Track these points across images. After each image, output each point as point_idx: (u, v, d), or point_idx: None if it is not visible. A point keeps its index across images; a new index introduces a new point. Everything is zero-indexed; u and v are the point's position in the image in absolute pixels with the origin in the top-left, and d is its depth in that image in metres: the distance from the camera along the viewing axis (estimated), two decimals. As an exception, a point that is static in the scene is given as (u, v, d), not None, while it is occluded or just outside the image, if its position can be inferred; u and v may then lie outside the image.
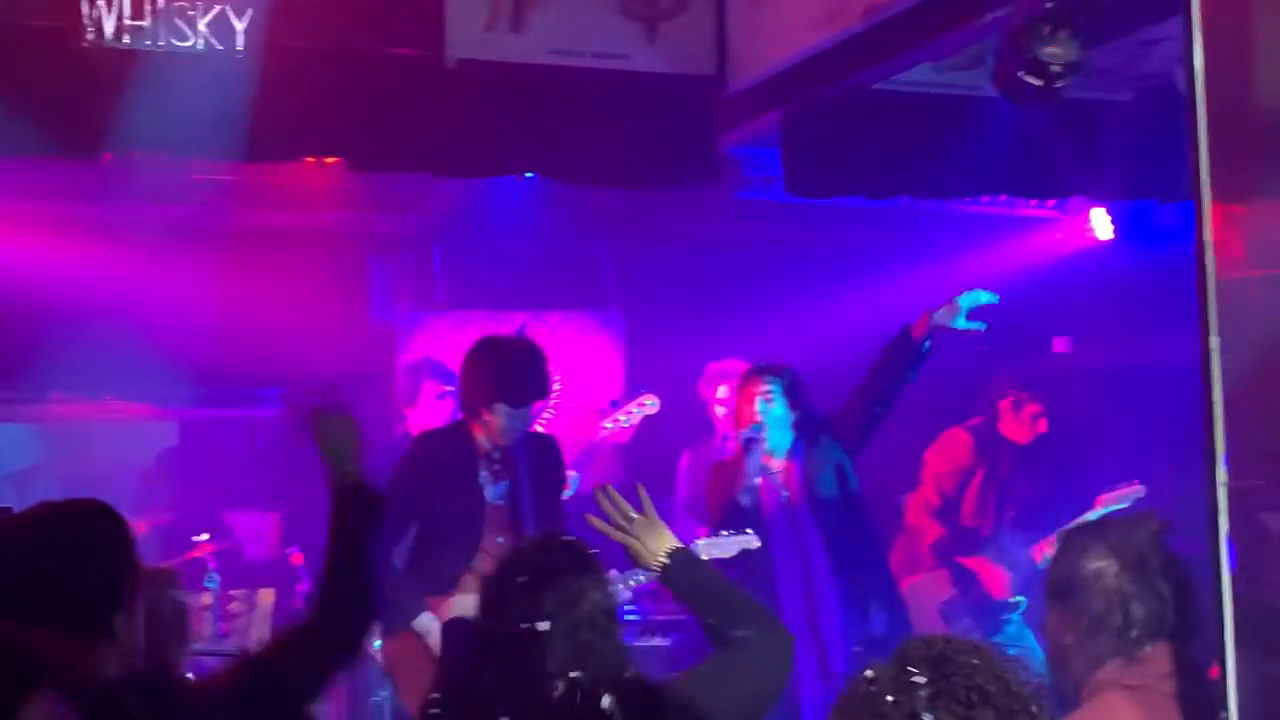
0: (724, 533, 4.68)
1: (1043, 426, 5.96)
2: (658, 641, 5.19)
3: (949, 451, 6.00)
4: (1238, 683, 2.27)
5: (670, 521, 5.84)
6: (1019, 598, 5.71)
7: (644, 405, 5.36)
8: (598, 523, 2.81)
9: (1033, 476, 5.92)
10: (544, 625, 2.36)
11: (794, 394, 4.82)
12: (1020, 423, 5.97)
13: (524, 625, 2.37)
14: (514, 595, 2.42)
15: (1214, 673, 2.35)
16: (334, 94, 4.63)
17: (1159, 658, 2.44)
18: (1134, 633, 2.44)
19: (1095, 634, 2.45)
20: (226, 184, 5.42)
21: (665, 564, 2.74)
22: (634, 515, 2.80)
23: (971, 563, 5.81)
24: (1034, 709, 1.66)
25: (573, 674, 2.35)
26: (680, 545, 2.79)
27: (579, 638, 2.38)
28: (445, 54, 4.74)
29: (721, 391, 5.79)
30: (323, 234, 6.25)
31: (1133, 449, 5.96)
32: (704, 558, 4.42)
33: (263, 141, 4.51)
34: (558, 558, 2.47)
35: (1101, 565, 2.46)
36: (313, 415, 2.75)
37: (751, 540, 4.65)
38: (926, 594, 5.67)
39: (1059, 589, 2.51)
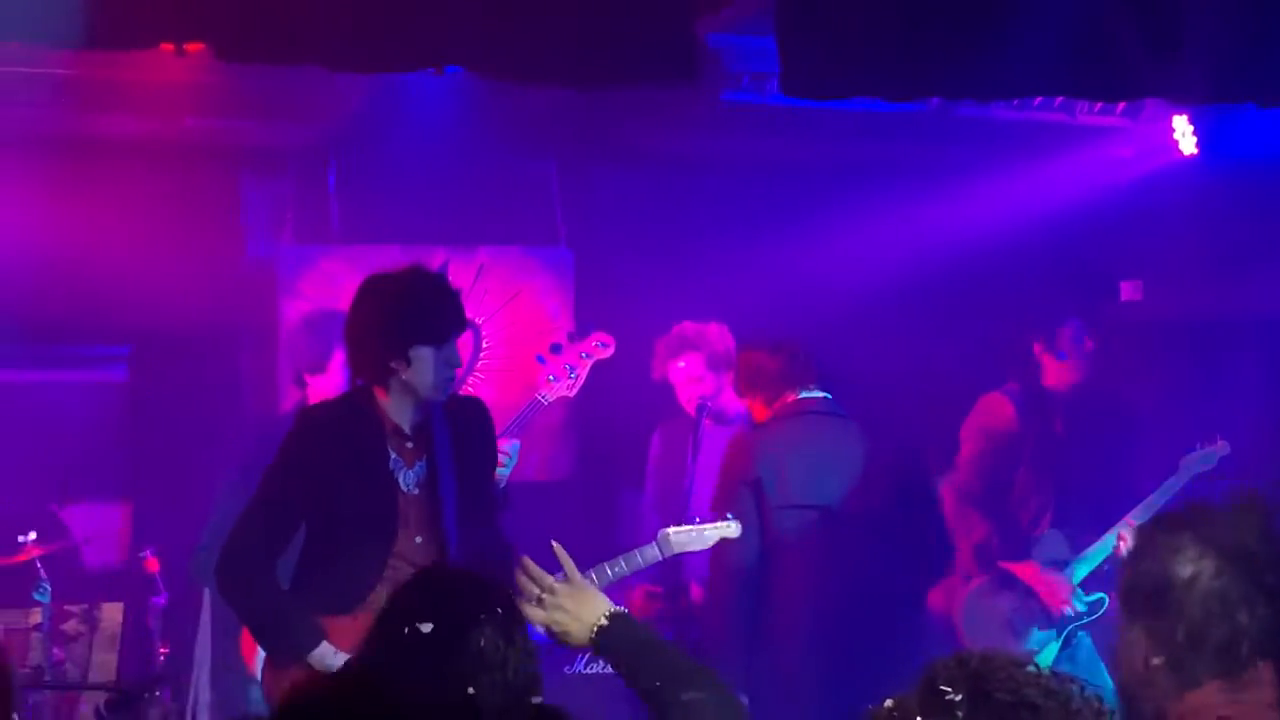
0: (697, 519, 4.85)
1: (1089, 345, 6.08)
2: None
3: (987, 423, 6.09)
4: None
5: (639, 520, 5.87)
6: (1098, 595, 5.83)
7: (595, 349, 5.41)
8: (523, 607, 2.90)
9: (1095, 434, 6.02)
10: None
11: None
12: (1065, 360, 6.07)
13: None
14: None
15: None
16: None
17: (1263, 681, 2.48)
18: (1243, 648, 2.47)
19: (1191, 652, 2.48)
20: (58, 80, 5.37)
21: (603, 627, 2.87)
22: (554, 584, 2.94)
23: (1021, 569, 5.92)
24: None
25: None
26: (616, 609, 2.91)
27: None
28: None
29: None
30: (183, 146, 6.23)
31: (1220, 415, 6.07)
32: (674, 551, 4.63)
33: (104, 24, 4.40)
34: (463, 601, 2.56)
35: (1197, 566, 2.50)
36: None
37: (731, 527, 4.82)
38: (984, 605, 5.80)
39: (1141, 597, 2.56)
